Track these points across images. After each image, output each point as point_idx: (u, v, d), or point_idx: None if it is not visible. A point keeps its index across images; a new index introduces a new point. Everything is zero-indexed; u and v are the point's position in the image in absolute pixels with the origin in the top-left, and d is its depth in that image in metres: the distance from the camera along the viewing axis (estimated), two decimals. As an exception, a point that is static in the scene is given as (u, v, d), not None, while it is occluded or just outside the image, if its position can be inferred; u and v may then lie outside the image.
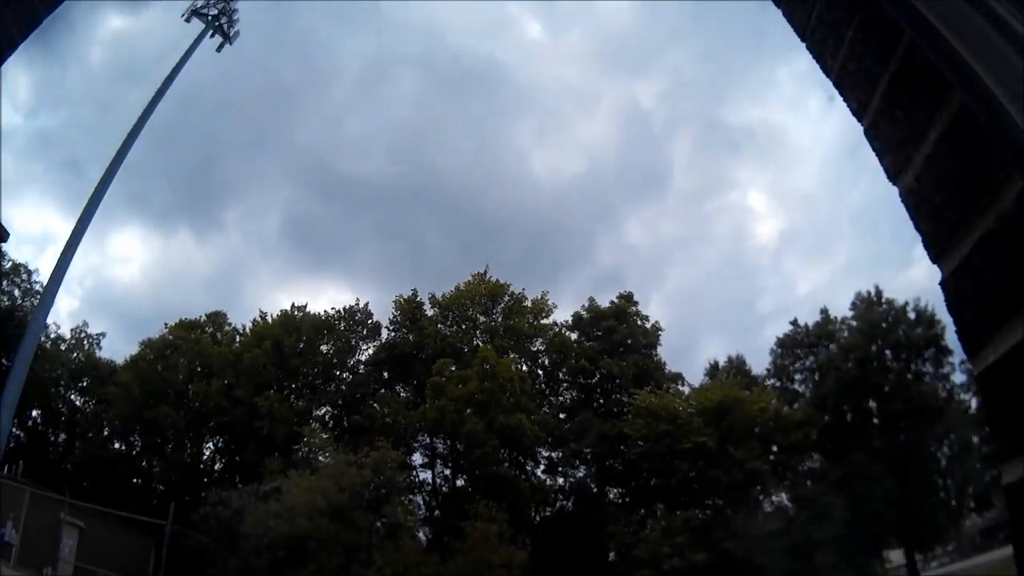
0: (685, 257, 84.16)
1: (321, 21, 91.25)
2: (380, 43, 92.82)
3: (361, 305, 48.50)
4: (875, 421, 40.69)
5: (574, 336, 47.22)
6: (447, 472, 42.72)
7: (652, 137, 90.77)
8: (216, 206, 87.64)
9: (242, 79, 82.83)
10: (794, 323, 44.94)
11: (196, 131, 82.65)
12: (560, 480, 44.24)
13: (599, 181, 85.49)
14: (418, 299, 47.11)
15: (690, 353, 77.23)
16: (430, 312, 46.74)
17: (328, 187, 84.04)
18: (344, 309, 48.10)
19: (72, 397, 50.05)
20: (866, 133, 1.70)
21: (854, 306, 42.50)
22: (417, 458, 42.57)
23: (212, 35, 32.92)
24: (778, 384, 44.42)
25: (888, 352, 40.59)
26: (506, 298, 46.87)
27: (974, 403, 36.27)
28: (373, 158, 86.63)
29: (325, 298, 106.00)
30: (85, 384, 49.48)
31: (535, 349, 47.54)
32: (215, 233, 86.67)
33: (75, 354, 50.53)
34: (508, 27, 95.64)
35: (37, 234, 76.13)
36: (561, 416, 45.21)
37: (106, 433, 47.65)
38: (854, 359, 39.77)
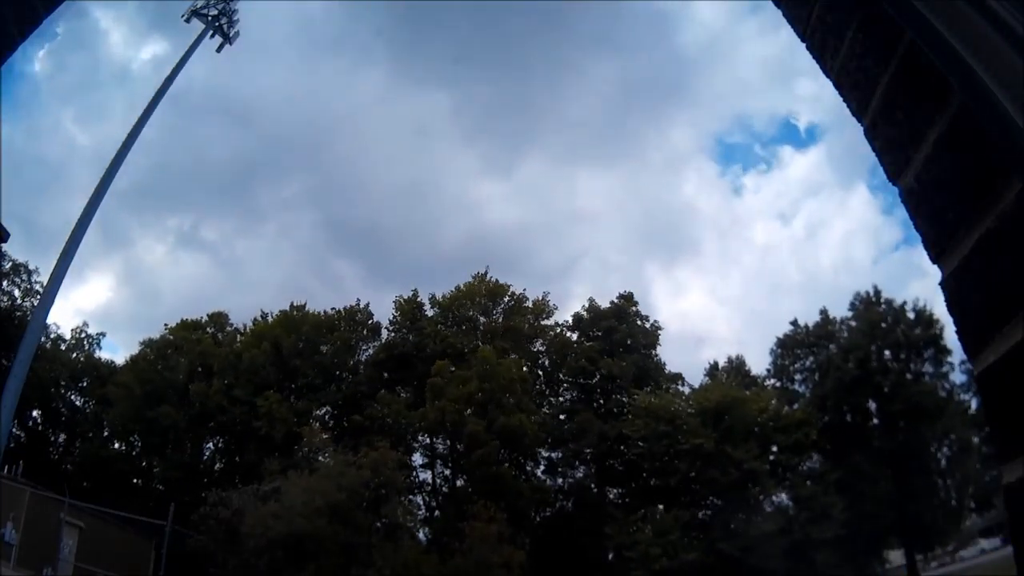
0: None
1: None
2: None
3: (361, 305, 48.62)
4: (875, 421, 40.70)
5: (574, 336, 47.24)
6: (447, 472, 42.74)
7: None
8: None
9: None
10: (794, 323, 45.03)
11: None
12: (560, 480, 44.27)
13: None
14: (418, 299, 47.19)
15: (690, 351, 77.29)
16: (430, 312, 46.80)
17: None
18: (344, 309, 48.15)
19: (72, 397, 50.12)
20: (866, 133, 1.70)
21: (853, 306, 42.56)
22: (417, 458, 42.68)
23: (212, 35, 32.95)
24: (778, 384, 44.46)
25: (888, 352, 40.61)
26: (506, 299, 46.92)
27: (974, 403, 36.28)
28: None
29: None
30: (85, 384, 49.50)
31: (535, 349, 47.55)
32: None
33: (75, 354, 50.57)
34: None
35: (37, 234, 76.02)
36: (561, 417, 45.21)
37: (106, 433, 47.66)
38: (854, 359, 39.79)
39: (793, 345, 44.43)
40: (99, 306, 77.06)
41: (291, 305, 47.61)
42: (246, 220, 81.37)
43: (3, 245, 26.83)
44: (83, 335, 51.53)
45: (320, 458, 36.64)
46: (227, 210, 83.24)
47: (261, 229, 79.20)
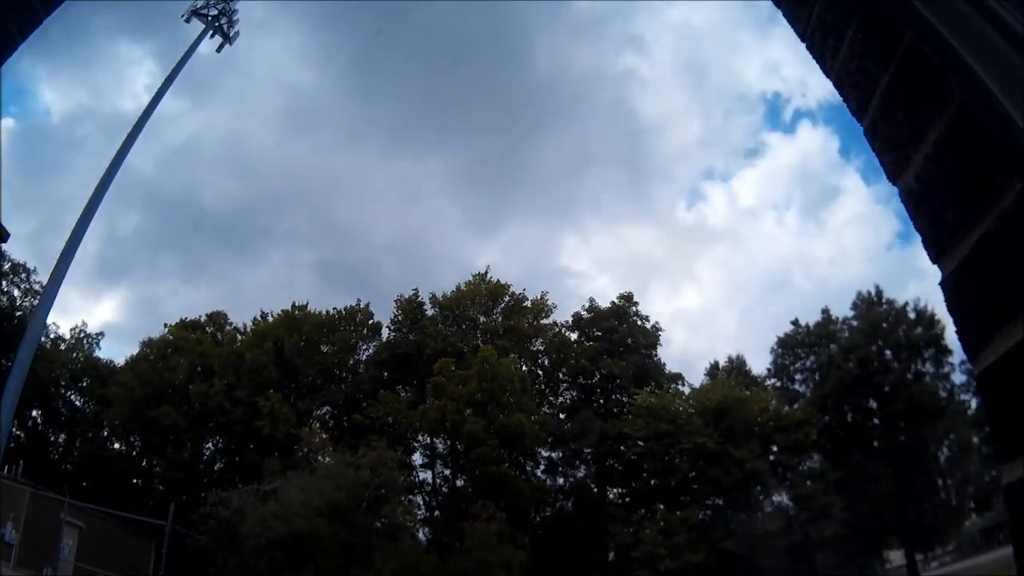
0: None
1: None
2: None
3: (362, 305, 48.68)
4: (875, 421, 40.72)
5: (574, 336, 47.25)
6: (447, 472, 42.74)
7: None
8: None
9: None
10: (795, 323, 45.05)
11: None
12: (560, 480, 44.28)
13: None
14: (419, 299, 47.22)
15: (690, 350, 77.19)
16: (431, 312, 46.82)
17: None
18: (345, 309, 48.20)
19: (72, 397, 50.09)
20: (866, 133, 1.70)
21: (855, 306, 42.58)
22: (417, 458, 42.69)
23: (212, 35, 32.94)
24: (778, 384, 44.47)
25: (889, 352, 40.61)
26: (506, 298, 46.95)
27: (974, 403, 36.29)
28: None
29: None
30: (85, 384, 49.50)
31: (535, 349, 47.57)
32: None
33: (75, 354, 50.55)
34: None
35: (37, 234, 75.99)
36: (561, 416, 45.21)
37: (106, 433, 47.65)
38: (855, 359, 39.79)
39: (794, 345, 44.45)
40: (99, 326, 77.04)
41: (293, 305, 47.63)
42: (245, 257, 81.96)
43: (3, 245, 26.82)
44: (82, 334, 51.57)
45: (320, 458, 36.66)
46: (227, 247, 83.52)
47: (258, 266, 79.57)
